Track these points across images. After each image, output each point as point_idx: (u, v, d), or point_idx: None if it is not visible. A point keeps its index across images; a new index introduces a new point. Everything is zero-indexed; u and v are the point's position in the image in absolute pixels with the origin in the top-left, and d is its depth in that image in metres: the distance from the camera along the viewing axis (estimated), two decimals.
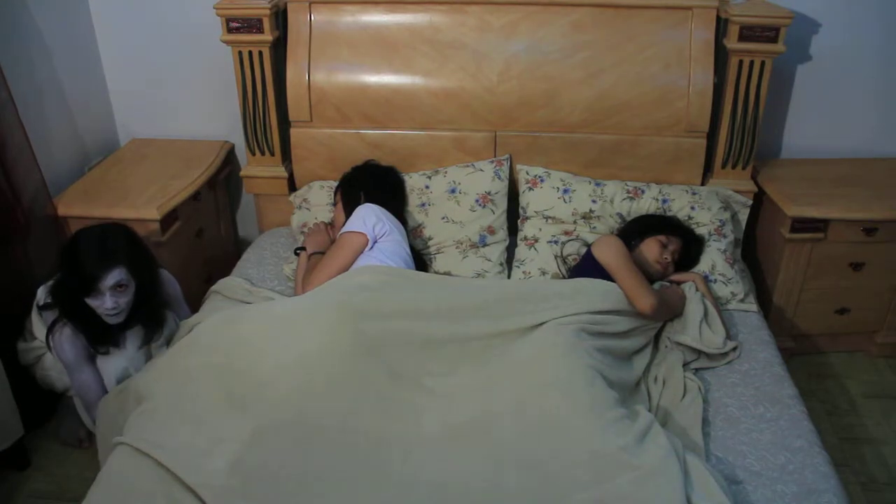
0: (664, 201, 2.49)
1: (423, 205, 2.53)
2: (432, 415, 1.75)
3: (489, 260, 2.47)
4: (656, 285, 2.26)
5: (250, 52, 2.53)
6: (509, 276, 2.48)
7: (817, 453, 1.77)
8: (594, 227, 2.49)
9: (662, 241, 2.29)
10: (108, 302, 2.00)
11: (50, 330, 2.08)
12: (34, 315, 2.21)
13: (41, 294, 2.16)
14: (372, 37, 2.56)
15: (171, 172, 2.69)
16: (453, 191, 2.53)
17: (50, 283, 2.13)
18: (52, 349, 2.10)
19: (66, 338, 2.07)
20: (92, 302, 2.01)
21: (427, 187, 2.55)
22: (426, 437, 1.70)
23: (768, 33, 2.39)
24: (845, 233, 2.52)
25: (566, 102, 2.53)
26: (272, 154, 2.71)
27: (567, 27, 2.51)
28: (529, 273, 2.44)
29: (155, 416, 1.76)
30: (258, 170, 2.73)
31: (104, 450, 1.91)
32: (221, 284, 2.40)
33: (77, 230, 2.09)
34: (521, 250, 2.50)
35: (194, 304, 2.42)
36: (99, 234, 2.04)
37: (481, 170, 2.54)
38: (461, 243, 2.48)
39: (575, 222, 2.49)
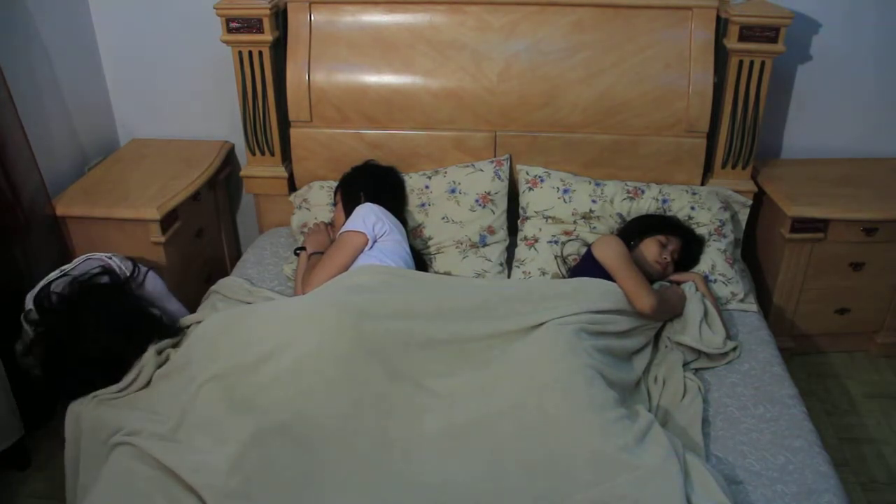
0: (664, 201, 2.48)
1: (423, 205, 2.53)
2: (433, 415, 1.75)
3: (489, 260, 2.47)
4: (656, 285, 2.26)
5: (250, 52, 2.53)
6: (509, 276, 2.48)
7: (817, 453, 1.77)
8: (594, 227, 2.48)
9: (662, 241, 2.29)
10: None
11: (29, 352, 2.03)
12: None
13: (29, 301, 2.11)
14: (372, 37, 2.56)
15: (171, 172, 2.69)
16: (453, 191, 2.52)
17: (36, 289, 2.08)
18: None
19: None
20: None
21: (427, 187, 2.54)
22: (426, 437, 1.70)
23: (768, 33, 2.39)
24: (845, 233, 2.52)
25: (566, 102, 2.53)
26: (272, 154, 2.71)
27: (567, 27, 2.51)
28: (529, 273, 2.44)
29: (155, 416, 1.76)
30: (258, 170, 2.73)
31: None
32: (221, 284, 2.39)
33: (69, 313, 2.00)
34: (521, 250, 2.50)
35: (194, 305, 2.42)
36: (104, 320, 1.97)
37: (481, 170, 2.54)
38: (461, 243, 2.48)
39: (575, 222, 2.49)
